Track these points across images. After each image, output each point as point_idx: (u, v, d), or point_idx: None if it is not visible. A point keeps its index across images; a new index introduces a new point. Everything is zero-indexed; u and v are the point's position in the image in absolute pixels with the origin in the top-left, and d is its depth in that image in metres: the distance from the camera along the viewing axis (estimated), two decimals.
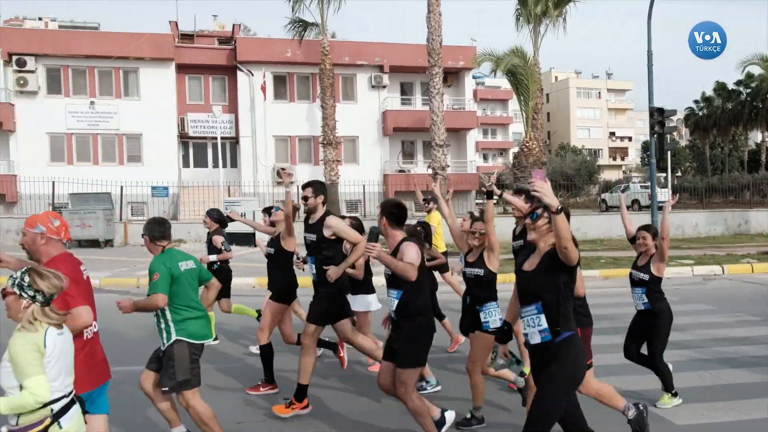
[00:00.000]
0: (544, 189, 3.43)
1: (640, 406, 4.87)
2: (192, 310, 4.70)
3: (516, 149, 33.15)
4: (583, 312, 5.00)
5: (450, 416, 5.09)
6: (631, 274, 6.01)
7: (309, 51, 28.24)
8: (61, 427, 3.06)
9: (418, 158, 33.18)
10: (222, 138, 25.99)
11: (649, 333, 5.89)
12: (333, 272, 5.52)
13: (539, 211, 3.78)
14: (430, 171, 25.85)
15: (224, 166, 25.58)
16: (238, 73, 29.69)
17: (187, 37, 32.54)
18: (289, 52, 29.19)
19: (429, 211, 10.32)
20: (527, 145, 16.29)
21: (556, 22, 26.67)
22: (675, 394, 5.83)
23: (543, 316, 3.77)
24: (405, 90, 33.08)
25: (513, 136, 74.57)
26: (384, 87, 31.23)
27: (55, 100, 28.24)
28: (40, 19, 36.15)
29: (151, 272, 4.55)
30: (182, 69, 29.73)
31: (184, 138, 30.14)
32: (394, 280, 4.72)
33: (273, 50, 29.73)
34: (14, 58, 27.15)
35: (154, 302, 4.49)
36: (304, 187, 5.84)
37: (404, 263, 4.58)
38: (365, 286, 6.85)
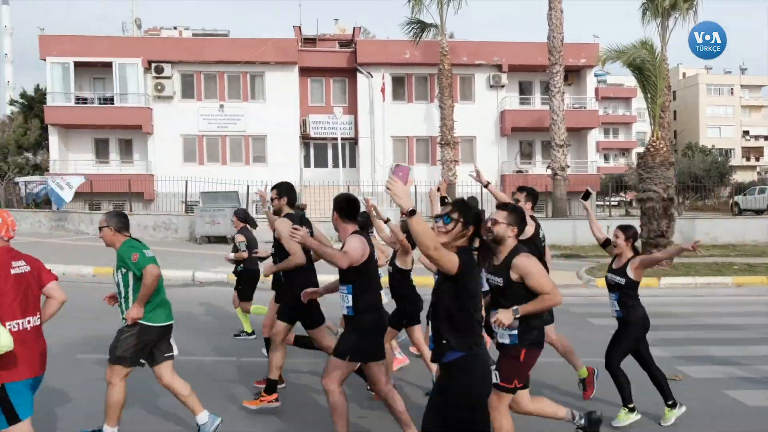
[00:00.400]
0: (394, 188, 3.20)
1: (592, 416, 4.78)
2: (155, 294, 4.95)
3: (639, 149, 31.85)
4: (534, 327, 4.50)
5: None
6: (606, 277, 5.66)
7: (427, 52, 28.42)
8: None
9: (536, 159, 32.61)
10: (342, 139, 26.67)
11: (616, 337, 5.60)
12: (267, 270, 5.74)
13: (453, 215, 3.60)
14: (549, 171, 25.35)
15: (344, 166, 26.22)
16: (358, 75, 30.33)
17: (309, 41, 33.65)
18: (408, 53, 29.49)
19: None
20: (654, 144, 15.55)
21: (686, 15, 25.42)
22: (633, 409, 5.46)
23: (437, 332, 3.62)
24: (524, 89, 32.59)
25: (636, 136, 71.62)
26: (502, 86, 30.91)
27: (188, 104, 30.00)
28: (175, 28, 38.39)
29: (126, 256, 4.84)
30: (305, 72, 30.75)
31: (305, 139, 31.15)
32: (342, 275, 4.68)
33: (391, 52, 30.16)
34: (153, 65, 29.09)
35: (150, 281, 4.76)
36: (272, 189, 5.98)
37: (331, 249, 4.56)
38: None
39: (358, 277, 4.64)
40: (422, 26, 26.63)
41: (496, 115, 31.00)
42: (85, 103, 29.73)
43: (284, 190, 5.87)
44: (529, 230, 5.90)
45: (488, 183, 6.89)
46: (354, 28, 33.46)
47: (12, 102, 42.21)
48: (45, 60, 29.18)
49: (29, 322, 3.99)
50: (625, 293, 5.43)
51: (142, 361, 5.09)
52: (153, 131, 29.78)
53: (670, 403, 5.44)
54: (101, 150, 31.11)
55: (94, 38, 30.00)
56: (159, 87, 29.23)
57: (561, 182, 24.21)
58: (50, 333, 8.45)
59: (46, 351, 4.14)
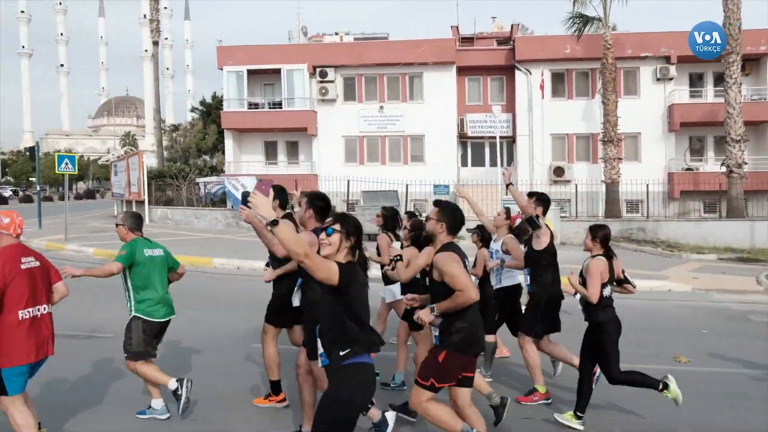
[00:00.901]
0: (255, 200, 3.38)
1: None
2: (152, 291, 5.51)
3: None
4: (459, 329, 4.40)
5: (390, 416, 4.88)
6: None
7: (588, 46, 27.51)
8: None
9: (708, 155, 30.47)
10: (500, 137, 26.52)
11: (588, 343, 5.54)
12: (268, 276, 5.64)
13: (335, 226, 3.68)
14: (723, 169, 23.68)
15: (501, 164, 26.04)
16: (516, 72, 29.97)
17: (467, 40, 33.73)
18: (568, 48, 28.72)
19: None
20: None
21: None
22: (579, 417, 5.41)
23: (319, 340, 3.69)
24: (694, 81, 30.57)
25: None
26: (670, 79, 29.21)
27: (349, 106, 31.17)
28: (336, 34, 39.84)
29: (120, 249, 5.49)
30: (462, 71, 30.88)
31: (462, 138, 31.28)
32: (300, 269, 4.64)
33: (551, 47, 29.50)
34: (317, 70, 30.52)
35: (109, 268, 5.37)
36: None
37: (271, 236, 4.50)
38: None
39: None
40: (585, 20, 25.81)
41: (663, 109, 29.35)
42: (257, 108, 31.80)
43: (276, 193, 5.82)
44: (545, 240, 6.08)
45: (510, 183, 7.03)
46: (512, 26, 33.11)
47: (193, 109, 45.93)
48: (222, 69, 31.57)
49: (39, 310, 4.58)
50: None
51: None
52: (317, 133, 31.26)
53: (579, 414, 5.45)
54: (270, 151, 33.14)
55: (265, 47, 32.02)
56: (323, 91, 30.62)
57: (737, 180, 22.50)
58: (228, 324, 9.17)
59: (53, 335, 4.73)
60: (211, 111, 41.14)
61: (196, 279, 14.17)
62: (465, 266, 4.46)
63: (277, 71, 31.03)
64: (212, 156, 40.16)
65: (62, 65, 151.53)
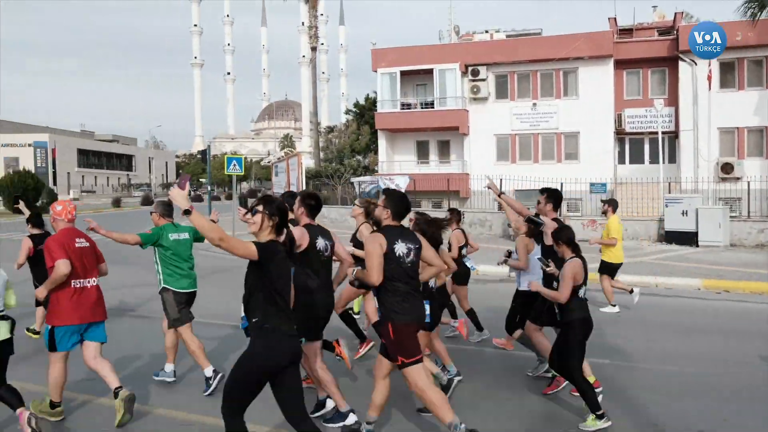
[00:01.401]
0: (173, 193, 3.96)
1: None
2: (178, 269, 6.40)
3: None
4: (398, 309, 4.78)
5: (352, 419, 5.25)
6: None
7: (762, 32, 25.38)
8: None
9: None
10: (661, 132, 25.15)
11: (560, 341, 5.65)
12: None
13: (258, 207, 4.17)
14: None
15: (662, 161, 24.69)
16: (680, 63, 28.28)
17: (625, 31, 32.26)
18: (739, 35, 26.62)
19: (605, 213, 10.68)
20: None
21: None
22: (600, 416, 5.33)
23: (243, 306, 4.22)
24: None
25: None
26: None
27: (501, 104, 30.90)
28: (486, 32, 39.63)
29: (148, 229, 6.39)
30: (620, 65, 29.61)
31: (620, 134, 30.00)
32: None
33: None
34: (469, 68, 30.53)
35: (127, 237, 6.17)
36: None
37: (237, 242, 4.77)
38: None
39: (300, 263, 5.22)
40: (761, 4, 23.84)
41: None
42: (409, 109, 32.35)
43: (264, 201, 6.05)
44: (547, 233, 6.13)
45: (501, 193, 7.20)
46: (675, 14, 31.23)
47: (347, 111, 47.59)
48: (376, 71, 32.42)
49: (88, 282, 5.54)
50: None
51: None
52: (468, 132, 31.28)
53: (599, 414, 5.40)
54: (422, 151, 33.59)
55: (417, 48, 32.49)
56: (475, 89, 30.58)
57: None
58: None
59: (102, 301, 5.68)
60: (364, 112, 42.42)
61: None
62: (392, 249, 4.78)
63: (429, 71, 31.38)
64: (365, 156, 41.37)
65: (228, 73, 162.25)
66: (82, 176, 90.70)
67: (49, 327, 5.40)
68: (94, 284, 5.62)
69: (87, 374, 6.15)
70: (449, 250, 7.95)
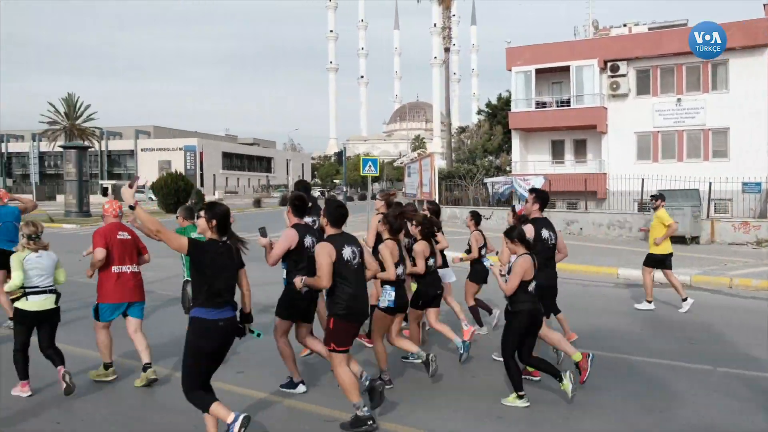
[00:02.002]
0: (123, 191, 4.75)
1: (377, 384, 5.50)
2: None
3: None
4: (342, 309, 5.42)
5: (301, 388, 6.28)
6: None
7: None
8: (27, 299, 6.05)
9: None
10: None
11: (505, 327, 6.11)
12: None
13: (200, 212, 4.89)
14: None
15: None
16: None
17: None
18: None
19: (656, 209, 10.67)
20: None
21: None
22: (520, 396, 5.93)
23: None
24: None
25: None
26: None
27: (642, 100, 29.51)
28: (624, 25, 37.99)
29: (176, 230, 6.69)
30: None
31: None
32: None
33: None
34: (608, 64, 29.41)
35: (160, 229, 5.93)
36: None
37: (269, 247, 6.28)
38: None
39: (289, 258, 6.23)
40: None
41: None
42: (544, 107, 31.63)
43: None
44: (530, 233, 6.47)
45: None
46: None
47: (479, 111, 47.26)
48: (510, 70, 31.97)
49: (128, 268, 6.60)
50: None
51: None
52: (607, 130, 30.14)
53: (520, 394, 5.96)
54: (557, 150, 32.75)
55: (553, 45, 31.68)
56: (614, 86, 29.42)
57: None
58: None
59: (140, 285, 6.72)
60: (496, 112, 41.98)
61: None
62: (341, 255, 5.37)
63: (566, 68, 30.53)
64: (497, 156, 40.91)
65: (362, 76, 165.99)
66: (226, 178, 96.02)
67: (96, 303, 6.56)
68: (133, 270, 6.70)
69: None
70: (469, 251, 8.91)
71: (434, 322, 7.27)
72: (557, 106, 31.32)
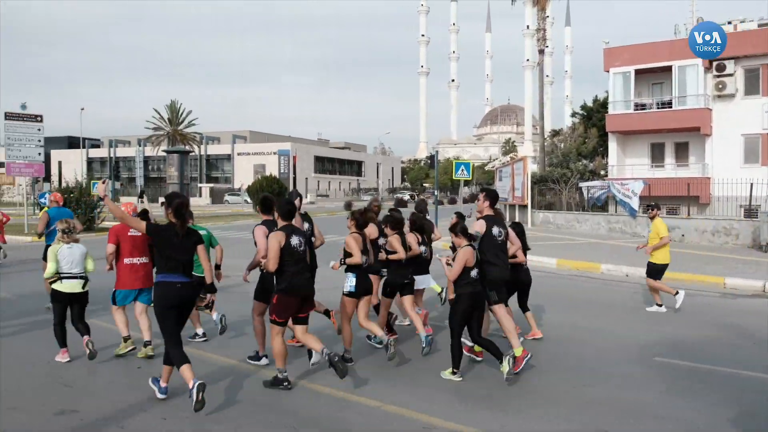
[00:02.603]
0: (98, 186, 6.41)
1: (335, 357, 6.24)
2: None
3: None
4: (285, 286, 6.40)
5: (264, 361, 7.29)
6: None
7: None
8: (62, 282, 7.32)
9: None
10: None
11: (451, 308, 7.01)
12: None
13: (164, 204, 6.29)
14: None
15: None
16: None
17: None
18: None
19: (652, 218, 11.00)
20: None
21: None
22: (455, 372, 6.85)
23: None
24: None
25: None
26: None
27: (751, 100, 27.99)
28: (729, 23, 36.16)
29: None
30: None
31: None
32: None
33: None
34: (714, 64, 28.03)
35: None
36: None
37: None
38: (423, 267, 8.66)
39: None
40: None
41: None
42: (643, 109, 30.50)
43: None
44: (481, 229, 7.17)
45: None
46: None
47: (573, 114, 46.08)
48: (608, 71, 31.01)
49: (138, 260, 7.62)
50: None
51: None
52: (711, 132, 28.74)
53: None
54: (656, 153, 31.52)
55: (654, 45, 30.48)
56: (720, 86, 28.04)
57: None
58: (623, 333, 8.85)
59: (150, 275, 7.53)
60: (591, 115, 40.79)
61: (585, 284, 14.21)
62: (289, 242, 6.36)
63: (667, 69, 29.34)
64: (591, 160, 39.73)
65: (453, 80, 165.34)
66: (318, 181, 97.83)
67: (114, 289, 7.70)
68: (143, 261, 7.69)
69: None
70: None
71: (409, 309, 8.02)
72: (657, 108, 30.13)
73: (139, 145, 55.62)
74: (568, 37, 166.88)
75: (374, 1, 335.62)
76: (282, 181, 48.13)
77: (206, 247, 7.44)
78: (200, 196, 75.44)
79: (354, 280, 7.23)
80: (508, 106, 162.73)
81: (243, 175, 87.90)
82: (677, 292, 10.63)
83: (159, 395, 6.09)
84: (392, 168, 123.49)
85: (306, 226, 7.55)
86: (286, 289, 6.40)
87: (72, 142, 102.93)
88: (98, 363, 7.35)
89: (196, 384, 5.58)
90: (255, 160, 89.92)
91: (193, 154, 63.86)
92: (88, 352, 7.19)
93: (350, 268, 7.29)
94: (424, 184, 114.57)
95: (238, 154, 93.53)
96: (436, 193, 28.84)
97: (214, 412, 5.81)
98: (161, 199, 11.70)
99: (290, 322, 6.62)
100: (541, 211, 29.46)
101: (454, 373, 6.83)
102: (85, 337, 7.30)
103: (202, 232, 7.70)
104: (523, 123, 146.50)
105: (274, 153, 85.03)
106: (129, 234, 7.57)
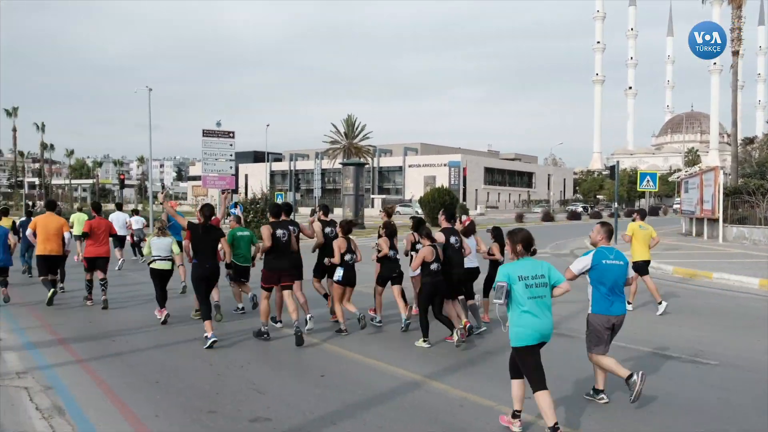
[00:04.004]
0: (157, 196, 13.34)
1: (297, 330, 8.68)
2: (241, 251, 10.74)
3: None
4: (269, 263, 9.05)
5: (211, 340, 8.61)
6: None
7: None
8: (155, 263, 10.33)
9: None
10: None
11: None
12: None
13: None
14: None
15: None
16: None
17: None
18: None
19: (634, 219, 12.14)
20: None
21: None
22: (425, 341, 8.67)
23: None
24: None
25: None
26: None
27: None
28: None
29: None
30: None
31: None
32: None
33: None
34: None
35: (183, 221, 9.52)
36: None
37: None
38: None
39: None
40: None
41: None
42: None
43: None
44: (441, 239, 8.91)
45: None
46: None
47: None
48: None
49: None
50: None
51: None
52: None
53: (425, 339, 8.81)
54: None
55: None
56: None
57: None
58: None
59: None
60: None
61: None
62: (275, 233, 8.93)
63: None
64: None
65: (630, 87, 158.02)
66: (487, 192, 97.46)
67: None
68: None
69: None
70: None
71: (396, 295, 9.86)
72: None
73: (317, 158, 58.61)
74: (762, 37, 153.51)
75: (547, 11, 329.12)
76: (453, 192, 48.47)
77: (249, 243, 10.86)
78: (372, 207, 77.91)
79: (341, 272, 9.34)
80: (692, 113, 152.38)
81: (414, 187, 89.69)
82: (661, 302, 11.39)
83: (208, 341, 8.47)
84: (563, 179, 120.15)
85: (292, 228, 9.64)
86: (268, 267, 8.98)
87: (257, 156, 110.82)
88: (287, 372, 7.48)
89: (212, 339, 8.41)
90: (425, 172, 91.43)
91: (366, 166, 66.17)
92: (162, 318, 10.13)
93: (341, 263, 9.41)
94: (597, 196, 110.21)
95: (409, 166, 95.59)
96: (615, 206, 27.62)
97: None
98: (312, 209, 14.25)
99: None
100: (734, 226, 27.23)
101: (425, 341, 8.69)
102: (163, 310, 10.18)
103: (245, 233, 10.90)
104: (708, 131, 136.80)
105: (445, 165, 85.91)
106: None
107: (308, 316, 9.06)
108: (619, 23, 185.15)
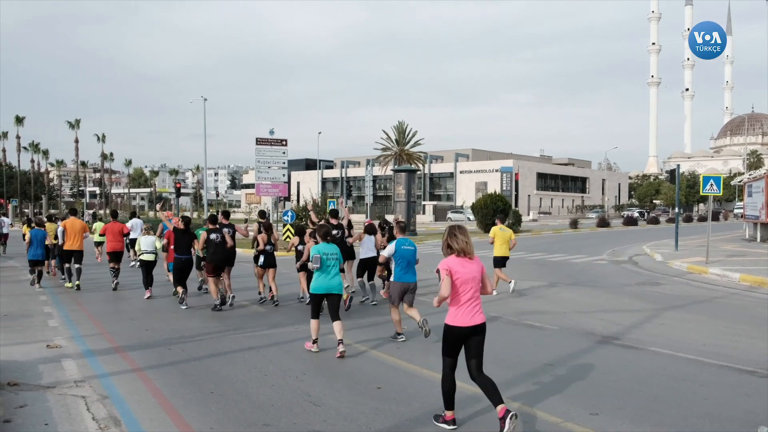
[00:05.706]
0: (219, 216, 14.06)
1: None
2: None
3: None
4: (210, 257, 12.51)
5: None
6: None
7: None
8: (143, 254, 14.35)
9: None
10: None
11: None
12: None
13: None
14: None
15: None
16: None
17: None
18: None
19: (494, 223, 15.12)
20: None
21: None
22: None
23: None
24: None
25: None
26: None
27: None
28: None
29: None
30: None
31: None
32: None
33: None
34: None
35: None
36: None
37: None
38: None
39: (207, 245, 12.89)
40: None
41: None
42: None
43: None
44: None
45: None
46: None
47: None
48: None
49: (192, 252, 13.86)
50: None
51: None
52: None
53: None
54: None
55: None
56: None
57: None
58: None
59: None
60: None
61: None
62: (209, 237, 12.53)
63: None
64: None
65: (687, 89, 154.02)
66: (540, 198, 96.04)
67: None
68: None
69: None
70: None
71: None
72: None
73: (368, 165, 58.67)
74: None
75: (599, 13, 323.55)
76: (505, 197, 47.84)
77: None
78: (424, 213, 77.54)
79: (262, 258, 12.84)
80: (752, 114, 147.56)
81: (465, 193, 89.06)
82: (511, 281, 14.14)
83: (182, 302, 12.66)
84: (618, 184, 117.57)
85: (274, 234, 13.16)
86: (208, 260, 12.44)
87: (309, 164, 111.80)
88: (342, 383, 7.24)
89: (217, 303, 12.23)
90: (477, 178, 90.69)
91: (418, 172, 65.96)
92: (147, 296, 13.76)
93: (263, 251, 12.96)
94: (654, 201, 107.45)
95: (461, 172, 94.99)
96: (678, 211, 26.74)
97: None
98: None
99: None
100: None
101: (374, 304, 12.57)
102: (181, 290, 12.78)
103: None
104: None
105: (496, 170, 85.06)
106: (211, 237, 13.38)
107: (231, 294, 12.58)
108: (675, 24, 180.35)
